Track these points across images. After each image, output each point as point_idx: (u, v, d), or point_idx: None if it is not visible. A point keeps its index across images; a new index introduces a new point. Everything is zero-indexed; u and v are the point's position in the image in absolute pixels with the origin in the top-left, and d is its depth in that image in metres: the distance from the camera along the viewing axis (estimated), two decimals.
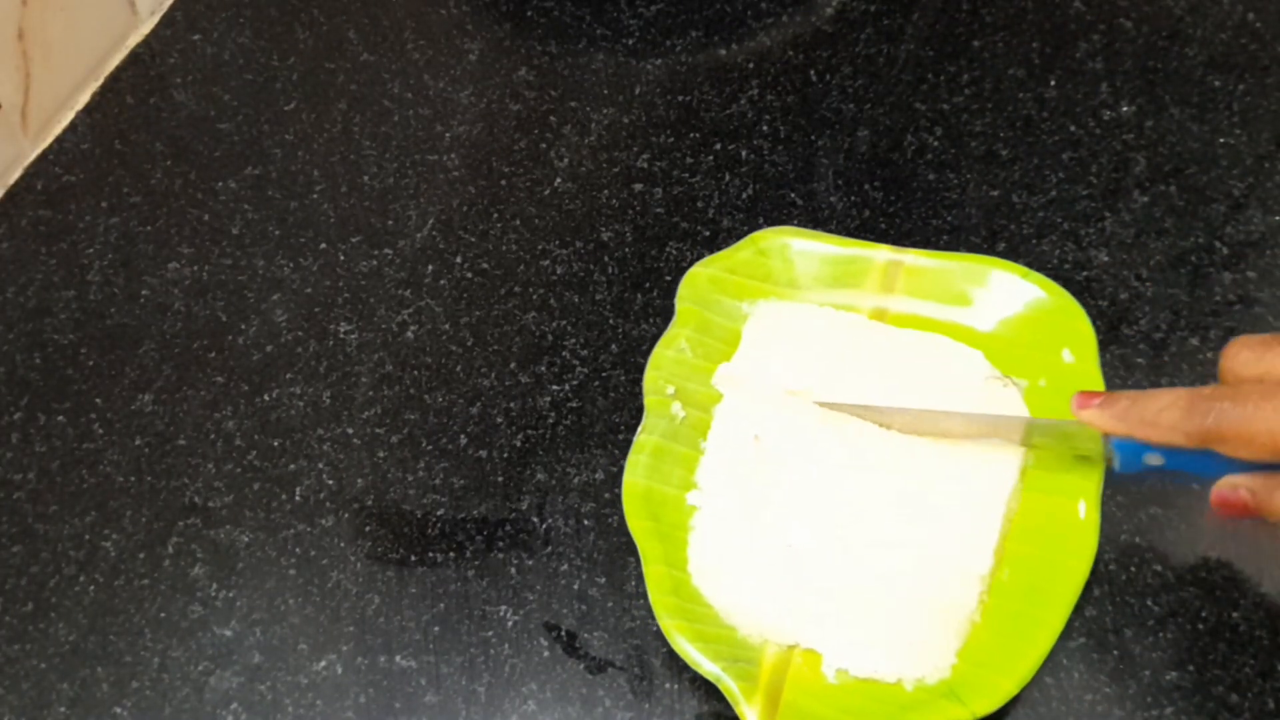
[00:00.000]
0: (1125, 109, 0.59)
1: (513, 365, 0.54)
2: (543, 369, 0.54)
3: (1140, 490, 0.47)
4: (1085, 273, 0.54)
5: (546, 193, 0.59)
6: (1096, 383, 0.48)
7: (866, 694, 0.43)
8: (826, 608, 0.45)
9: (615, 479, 0.50)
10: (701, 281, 0.52)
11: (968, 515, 0.46)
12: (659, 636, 0.46)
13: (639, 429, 0.49)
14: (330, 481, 0.51)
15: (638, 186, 0.59)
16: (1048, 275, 0.51)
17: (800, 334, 0.51)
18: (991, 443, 0.48)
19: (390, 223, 0.59)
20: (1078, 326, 0.49)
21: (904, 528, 0.46)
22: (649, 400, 0.49)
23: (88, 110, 0.64)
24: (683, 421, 0.49)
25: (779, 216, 0.57)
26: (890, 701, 0.43)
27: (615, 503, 0.50)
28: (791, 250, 0.53)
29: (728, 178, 0.59)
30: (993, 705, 0.42)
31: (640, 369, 0.53)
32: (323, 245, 0.58)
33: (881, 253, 0.52)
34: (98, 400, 0.54)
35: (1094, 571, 0.45)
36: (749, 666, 0.43)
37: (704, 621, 0.45)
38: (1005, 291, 0.51)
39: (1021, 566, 0.45)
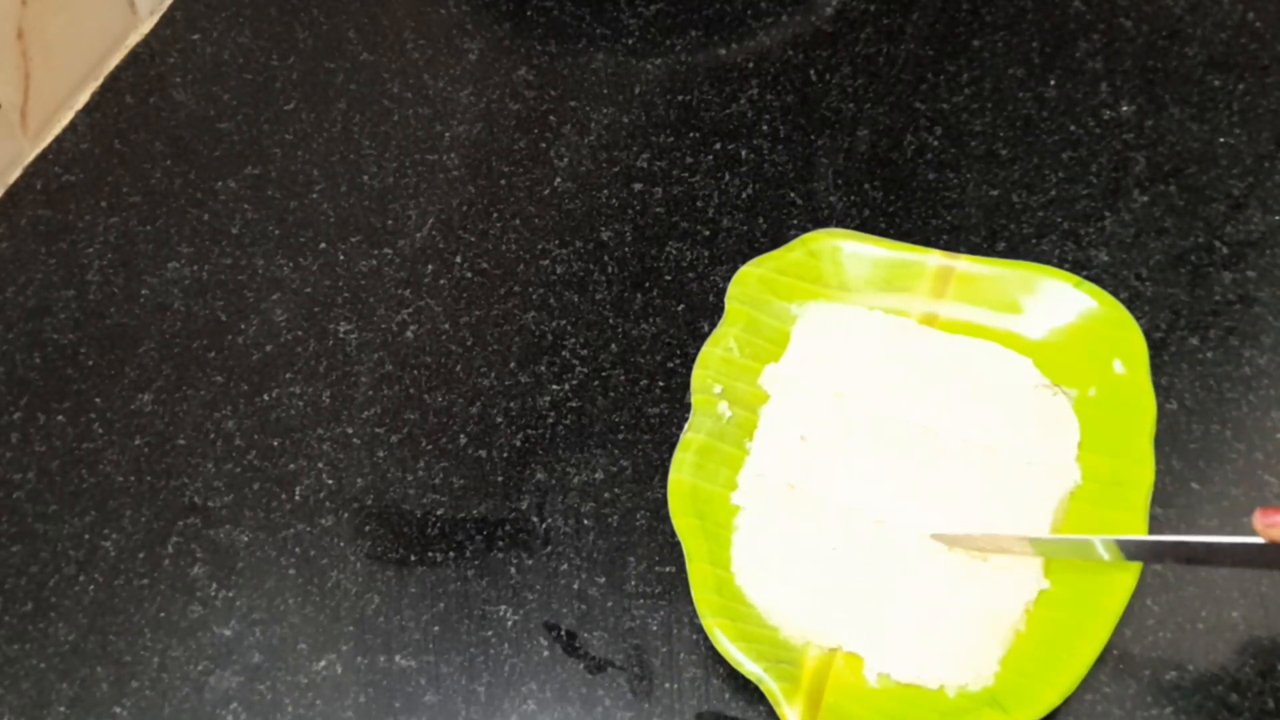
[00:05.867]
0: (1125, 109, 0.59)
1: (513, 365, 0.54)
2: (542, 369, 0.54)
3: None
4: (1085, 273, 0.54)
5: (546, 192, 0.59)
6: (1146, 393, 0.47)
7: (909, 699, 0.43)
8: (870, 611, 0.45)
9: (615, 479, 0.50)
10: (751, 281, 0.52)
11: (1016, 523, 0.46)
12: (659, 636, 0.46)
13: (685, 427, 0.49)
14: (330, 481, 0.51)
15: (637, 186, 0.59)
16: None
17: (849, 337, 0.51)
18: (1042, 454, 0.47)
19: (390, 222, 0.59)
20: (1129, 337, 0.49)
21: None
22: (696, 399, 0.49)
23: (87, 110, 0.64)
24: (729, 421, 0.49)
25: (779, 216, 0.57)
26: (932, 707, 0.43)
27: (615, 502, 0.50)
28: (843, 253, 0.53)
29: (727, 177, 0.59)
30: (1036, 715, 0.42)
31: (640, 369, 0.53)
32: (322, 245, 0.58)
33: (933, 258, 0.52)
34: (97, 400, 0.54)
35: None
36: (791, 668, 0.43)
37: (747, 621, 0.45)
38: (1057, 300, 0.50)
39: (1067, 577, 0.45)
